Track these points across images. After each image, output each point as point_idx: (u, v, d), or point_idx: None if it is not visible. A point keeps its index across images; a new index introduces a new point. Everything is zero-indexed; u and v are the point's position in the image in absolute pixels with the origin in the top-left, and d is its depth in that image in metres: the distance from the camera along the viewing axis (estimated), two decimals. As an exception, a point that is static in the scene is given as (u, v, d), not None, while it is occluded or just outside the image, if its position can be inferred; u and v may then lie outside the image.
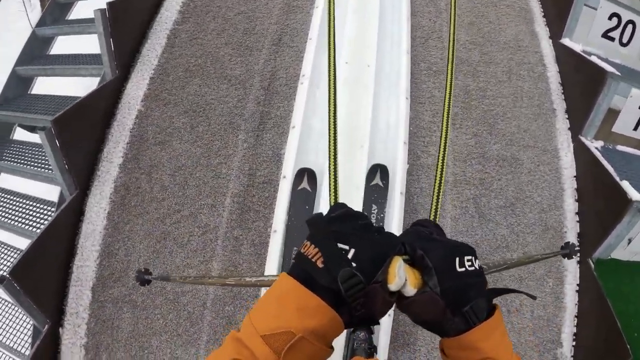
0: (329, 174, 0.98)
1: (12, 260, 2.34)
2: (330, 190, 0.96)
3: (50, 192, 2.60)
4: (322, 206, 1.96)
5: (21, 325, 2.42)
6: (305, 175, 1.98)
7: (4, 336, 2.39)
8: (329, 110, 1.09)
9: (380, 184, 2.04)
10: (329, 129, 1.06)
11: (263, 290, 1.88)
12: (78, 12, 3.11)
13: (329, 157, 1.01)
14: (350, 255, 0.61)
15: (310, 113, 2.11)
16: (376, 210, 2.03)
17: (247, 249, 1.92)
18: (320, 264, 0.61)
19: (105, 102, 2.26)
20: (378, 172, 2.05)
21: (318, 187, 1.99)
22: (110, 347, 2.02)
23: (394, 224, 1.96)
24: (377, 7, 2.58)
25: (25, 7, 3.76)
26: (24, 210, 2.35)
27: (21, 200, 2.43)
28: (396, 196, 2.00)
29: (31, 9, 3.86)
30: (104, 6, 2.25)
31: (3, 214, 2.39)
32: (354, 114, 2.20)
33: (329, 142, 1.04)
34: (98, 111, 2.24)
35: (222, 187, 1.99)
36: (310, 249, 0.63)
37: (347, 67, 2.32)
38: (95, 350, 2.03)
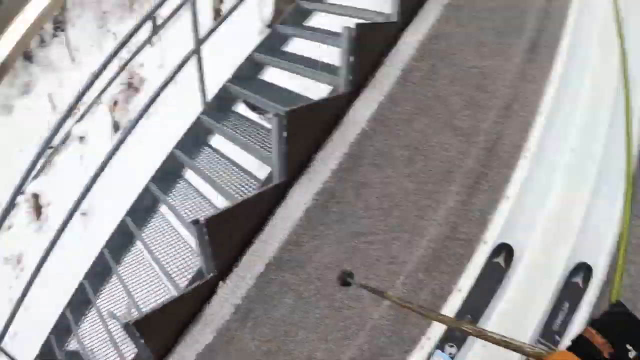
0: (616, 272, 1.00)
1: (205, 214, 2.69)
2: (614, 287, 1.03)
3: (247, 162, 2.91)
4: (511, 285, 1.93)
5: (187, 264, 2.74)
6: (504, 251, 1.98)
7: (168, 264, 2.72)
8: (625, 209, 1.08)
9: (580, 284, 1.94)
10: (625, 227, 1.07)
11: (425, 333, 1.89)
12: (313, 20, 3.49)
13: (619, 256, 1.03)
14: (631, 356, 0.73)
15: (527, 189, 2.09)
16: (566, 308, 1.93)
17: (425, 296, 1.96)
18: (606, 355, 0.74)
19: (334, 111, 2.51)
20: (582, 272, 1.95)
21: (512, 266, 1.97)
22: (258, 318, 2.13)
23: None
24: (613, 96, 2.46)
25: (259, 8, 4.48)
26: (231, 175, 2.71)
27: (231, 166, 2.80)
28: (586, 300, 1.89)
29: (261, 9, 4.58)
30: (349, 25, 2.47)
31: (214, 173, 2.77)
32: (566, 204, 2.12)
33: (621, 239, 1.06)
34: (326, 116, 2.49)
35: (423, 229, 2.07)
36: (597, 337, 0.76)
37: (572, 154, 2.25)
38: (245, 314, 2.14)
